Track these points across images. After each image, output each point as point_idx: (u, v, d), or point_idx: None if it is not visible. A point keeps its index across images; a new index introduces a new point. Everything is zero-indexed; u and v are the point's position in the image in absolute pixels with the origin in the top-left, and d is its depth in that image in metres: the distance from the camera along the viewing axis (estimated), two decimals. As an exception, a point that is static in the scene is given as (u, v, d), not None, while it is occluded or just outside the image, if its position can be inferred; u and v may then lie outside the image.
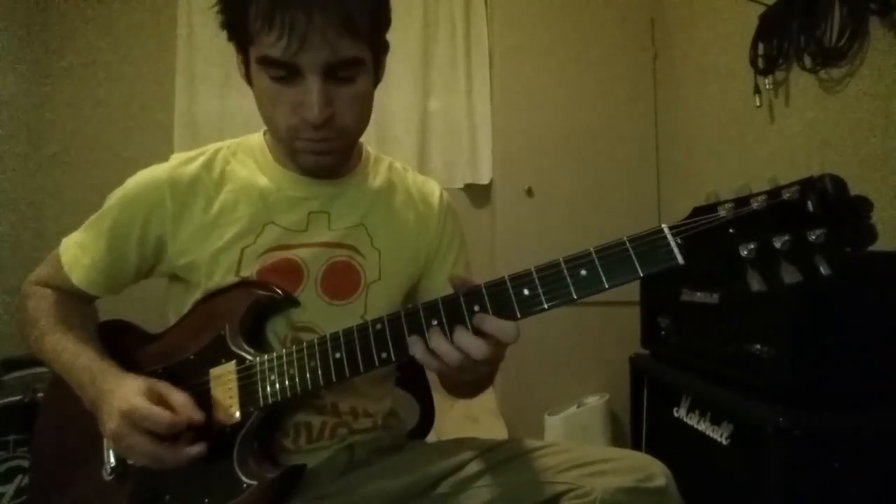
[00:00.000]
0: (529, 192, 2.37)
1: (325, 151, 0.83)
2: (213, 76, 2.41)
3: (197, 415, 0.75)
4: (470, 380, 0.73)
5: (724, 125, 1.97)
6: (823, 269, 0.55)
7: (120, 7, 2.48)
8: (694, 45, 2.16)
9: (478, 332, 0.66)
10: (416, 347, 0.68)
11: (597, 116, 2.41)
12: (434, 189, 1.01)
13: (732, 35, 1.88)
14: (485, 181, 2.47)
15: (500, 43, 2.43)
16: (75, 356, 0.83)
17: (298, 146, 0.82)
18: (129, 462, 0.81)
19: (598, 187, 2.39)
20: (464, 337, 0.66)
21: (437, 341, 0.67)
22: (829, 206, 0.54)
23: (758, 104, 1.72)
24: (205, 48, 2.41)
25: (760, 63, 1.69)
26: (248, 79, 0.82)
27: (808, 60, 1.52)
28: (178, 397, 0.76)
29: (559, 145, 2.39)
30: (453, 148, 2.48)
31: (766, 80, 1.68)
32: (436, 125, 2.49)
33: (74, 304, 0.91)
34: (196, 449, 0.74)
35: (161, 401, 0.75)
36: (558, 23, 2.41)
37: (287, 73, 0.75)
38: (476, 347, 0.66)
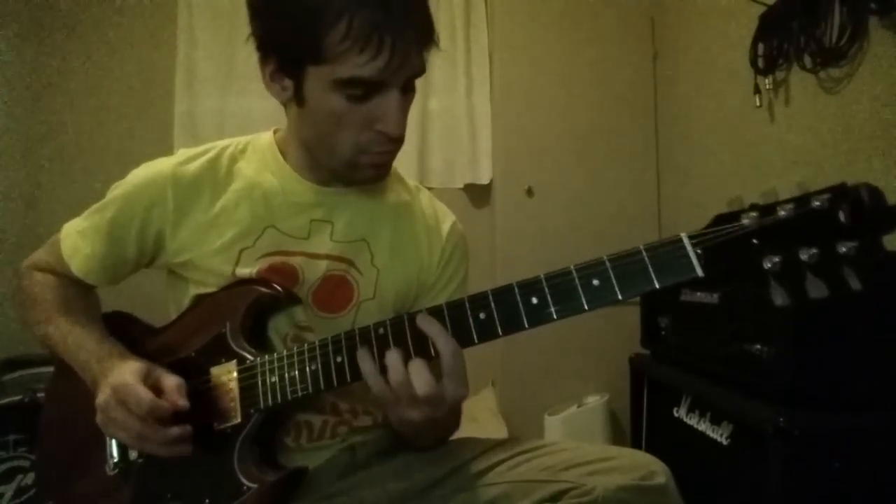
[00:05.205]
0: (529, 192, 2.37)
1: (387, 163, 0.83)
2: (213, 76, 2.38)
3: (182, 402, 0.75)
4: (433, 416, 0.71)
5: (724, 125, 1.97)
6: (853, 284, 0.51)
7: (119, 7, 2.48)
8: (694, 45, 2.16)
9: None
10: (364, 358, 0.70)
11: (597, 116, 2.40)
12: (446, 217, 0.98)
13: (732, 35, 1.87)
14: (485, 181, 2.46)
15: (500, 43, 2.43)
16: (80, 338, 0.83)
17: (364, 161, 0.80)
18: (114, 445, 0.82)
19: (598, 187, 2.38)
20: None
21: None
22: (863, 217, 0.50)
23: (758, 104, 1.72)
24: (205, 48, 2.39)
25: (760, 63, 1.69)
26: (299, 100, 0.78)
27: (808, 60, 1.52)
28: (170, 382, 0.76)
29: (559, 145, 2.39)
30: (453, 148, 2.47)
31: (766, 80, 1.68)
32: (436, 125, 2.47)
33: (76, 289, 0.91)
34: (177, 430, 0.73)
35: (155, 385, 0.76)
36: (558, 23, 2.41)
37: (367, 90, 0.73)
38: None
